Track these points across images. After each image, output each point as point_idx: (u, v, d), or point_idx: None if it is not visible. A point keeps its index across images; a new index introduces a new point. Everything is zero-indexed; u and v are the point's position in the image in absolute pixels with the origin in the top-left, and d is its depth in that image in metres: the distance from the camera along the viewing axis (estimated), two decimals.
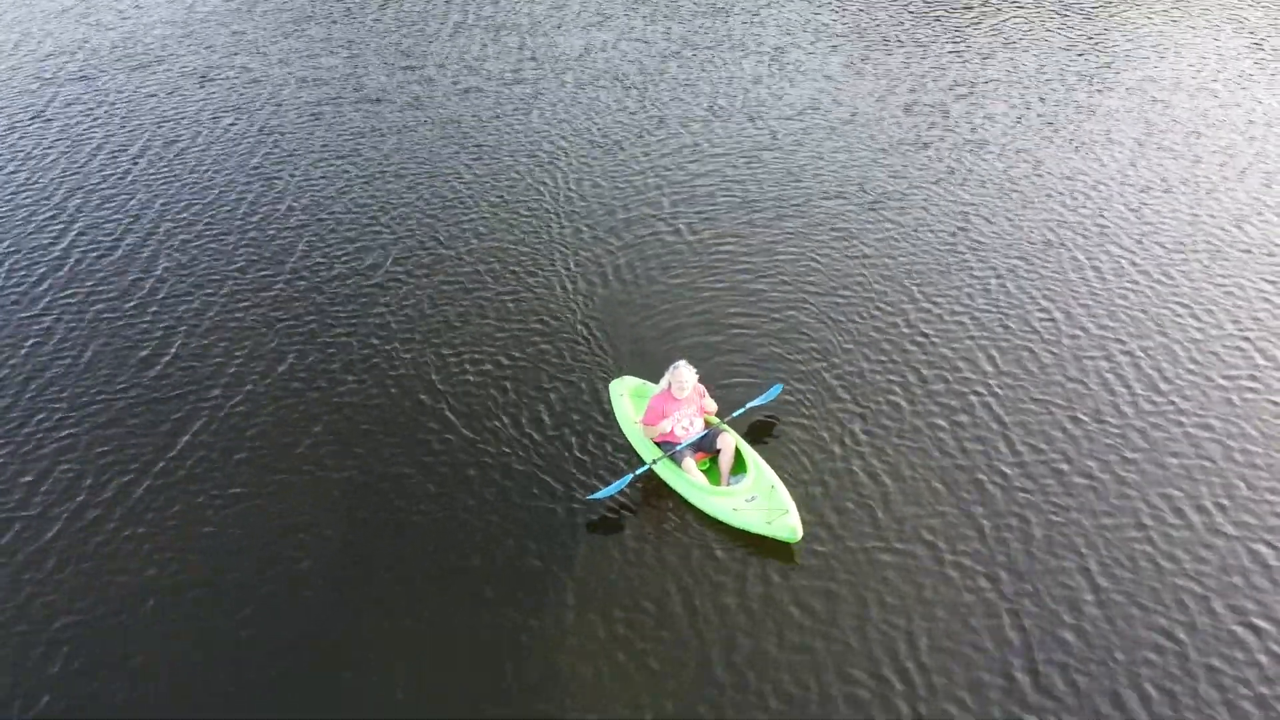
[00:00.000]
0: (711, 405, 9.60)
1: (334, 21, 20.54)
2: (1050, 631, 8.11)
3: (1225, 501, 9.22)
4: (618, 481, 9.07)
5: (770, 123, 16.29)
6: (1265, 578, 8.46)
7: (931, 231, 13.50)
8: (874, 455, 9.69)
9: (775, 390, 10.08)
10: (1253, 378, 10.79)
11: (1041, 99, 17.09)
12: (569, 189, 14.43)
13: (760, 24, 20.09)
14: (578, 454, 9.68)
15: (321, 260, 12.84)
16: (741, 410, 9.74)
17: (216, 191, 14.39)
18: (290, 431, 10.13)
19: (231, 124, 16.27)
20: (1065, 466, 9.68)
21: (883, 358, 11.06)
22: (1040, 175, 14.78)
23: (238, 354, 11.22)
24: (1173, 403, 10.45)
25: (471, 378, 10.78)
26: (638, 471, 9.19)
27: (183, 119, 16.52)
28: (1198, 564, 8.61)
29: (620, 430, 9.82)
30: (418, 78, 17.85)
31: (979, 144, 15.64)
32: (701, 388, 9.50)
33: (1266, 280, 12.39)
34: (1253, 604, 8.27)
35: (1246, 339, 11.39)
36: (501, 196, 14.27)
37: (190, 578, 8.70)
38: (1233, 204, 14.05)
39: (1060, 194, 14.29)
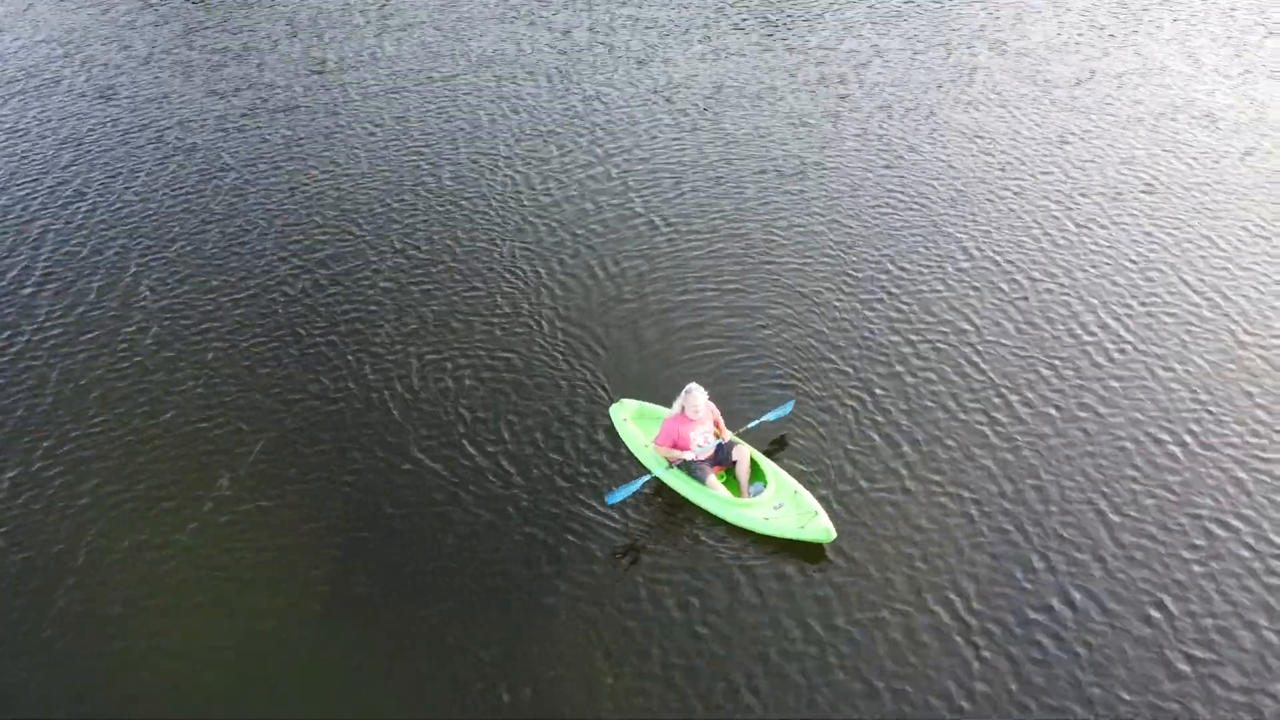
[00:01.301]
0: (721, 421, 9.72)
1: (224, 30, 19.98)
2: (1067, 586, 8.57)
3: None
4: (632, 483, 9.17)
5: (724, 117, 16.78)
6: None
7: (893, 210, 13.94)
8: (881, 449, 9.90)
9: (788, 406, 10.17)
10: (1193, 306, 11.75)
11: (942, 64, 18.04)
12: (515, 198, 14.31)
13: (683, 10, 20.50)
14: (587, 480, 9.63)
15: (266, 285, 12.46)
16: (755, 423, 9.89)
17: (138, 217, 13.79)
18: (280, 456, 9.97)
19: (144, 144, 15.73)
20: (1051, 410, 10.20)
21: (876, 350, 11.27)
22: (974, 140, 15.55)
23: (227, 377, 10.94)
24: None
25: (464, 410, 10.49)
26: (647, 477, 9.30)
27: (87, 141, 15.88)
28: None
29: (631, 454, 9.83)
30: (329, 82, 17.56)
31: (893, 113, 16.41)
32: (712, 405, 9.62)
33: (1176, 216, 13.45)
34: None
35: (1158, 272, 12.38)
36: (454, 212, 14.04)
37: (197, 587, 8.72)
38: (1126, 149, 15.09)
39: (994, 154, 15.09)
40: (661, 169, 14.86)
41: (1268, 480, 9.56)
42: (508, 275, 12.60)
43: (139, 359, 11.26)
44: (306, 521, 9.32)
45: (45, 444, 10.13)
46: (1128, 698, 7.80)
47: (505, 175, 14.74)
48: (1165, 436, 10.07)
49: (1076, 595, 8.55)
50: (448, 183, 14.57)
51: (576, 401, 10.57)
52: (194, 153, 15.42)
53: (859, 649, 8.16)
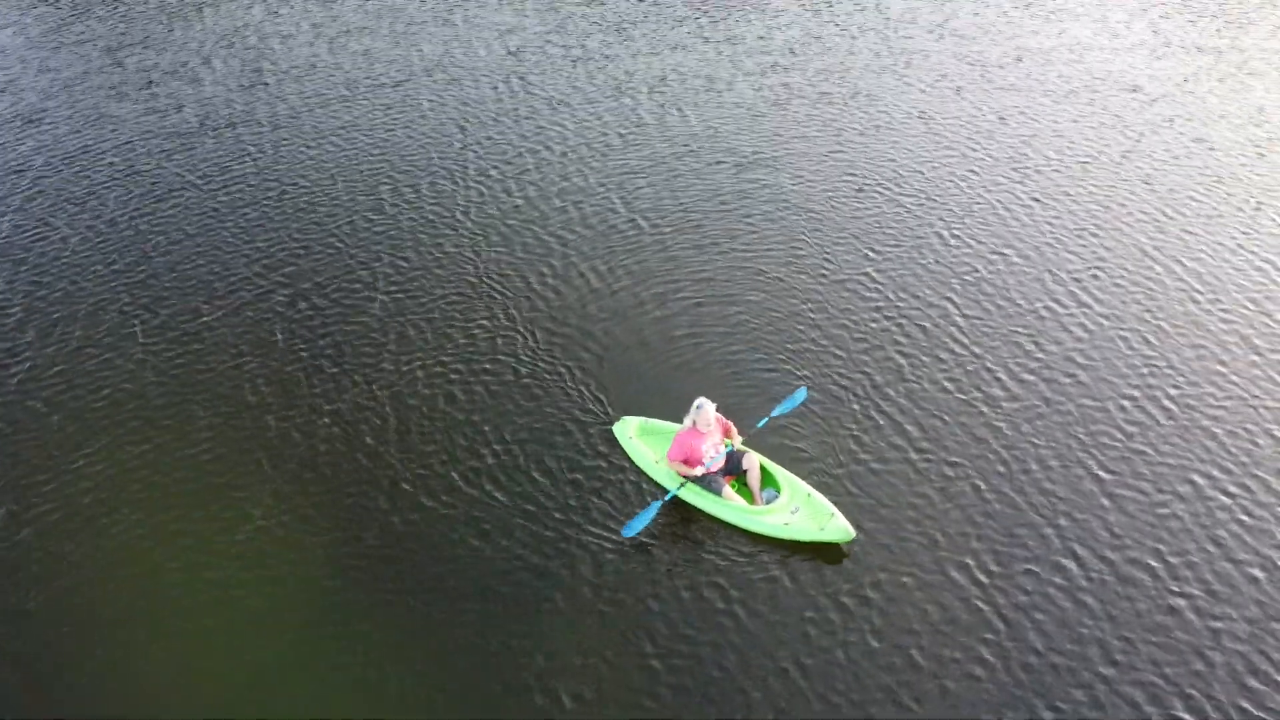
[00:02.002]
0: (733, 428, 9.84)
1: (148, 47, 19.43)
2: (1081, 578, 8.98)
3: None
4: (647, 510, 9.18)
5: (688, 113, 16.99)
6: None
7: (868, 199, 14.25)
8: (884, 439, 10.17)
9: (800, 394, 10.25)
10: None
11: (885, 46, 18.61)
12: (487, 210, 14.22)
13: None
14: (599, 497, 9.67)
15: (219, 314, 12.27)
16: (765, 420, 10.03)
17: (102, 243, 13.33)
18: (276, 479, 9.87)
19: (82, 170, 15.27)
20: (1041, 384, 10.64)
21: (864, 339, 11.55)
22: (921, 122, 16.00)
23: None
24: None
25: (466, 432, 10.45)
26: (665, 499, 9.36)
27: (15, 169, 15.37)
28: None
29: (640, 471, 9.90)
30: (261, 97, 17.25)
31: (835, 99, 16.94)
32: (721, 416, 9.74)
33: (1117, 184, 14.01)
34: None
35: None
36: (426, 228, 13.90)
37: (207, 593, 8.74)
38: (1062, 123, 15.64)
39: (945, 136, 15.64)
40: (624, 169, 14.94)
41: (1231, 426, 10.28)
42: (490, 294, 12.53)
43: (135, 375, 11.03)
44: (314, 534, 9.37)
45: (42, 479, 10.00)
46: (1157, 681, 8.22)
47: (472, 187, 14.64)
48: (1142, 396, 10.70)
49: (1082, 551, 8.99)
50: (410, 197, 14.42)
51: (578, 420, 10.53)
52: (143, 174, 15.01)
53: (889, 645, 8.39)
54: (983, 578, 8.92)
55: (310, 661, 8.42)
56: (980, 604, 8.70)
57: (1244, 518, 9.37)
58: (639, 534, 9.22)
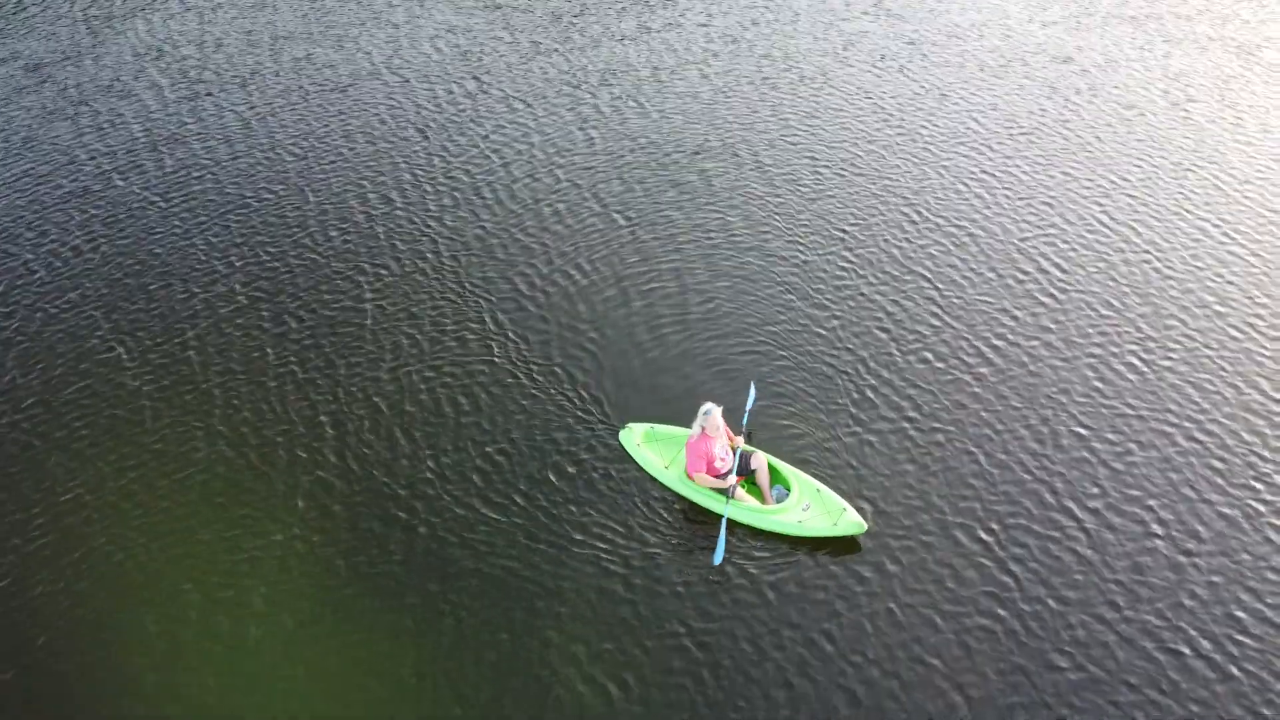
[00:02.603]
0: (730, 431, 10.07)
1: (75, 64, 18.86)
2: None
3: None
4: (720, 540, 9.21)
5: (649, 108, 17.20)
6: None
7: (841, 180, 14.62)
8: (883, 427, 10.53)
9: (751, 392, 10.53)
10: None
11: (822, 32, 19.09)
12: (460, 221, 14.22)
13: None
14: (610, 505, 9.81)
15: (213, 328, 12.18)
16: (746, 418, 10.26)
17: (68, 267, 12.96)
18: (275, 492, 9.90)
19: (33, 196, 14.74)
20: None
21: (849, 325, 11.92)
22: (869, 101, 16.42)
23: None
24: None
25: (469, 449, 10.49)
26: (724, 523, 9.36)
27: None
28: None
29: (650, 479, 9.99)
30: (207, 107, 16.94)
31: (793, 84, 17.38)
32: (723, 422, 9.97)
33: (1058, 153, 14.66)
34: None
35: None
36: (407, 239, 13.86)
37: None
38: (999, 96, 16.30)
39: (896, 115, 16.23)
40: (589, 165, 15.06)
41: (1188, 370, 11.04)
42: (474, 301, 12.59)
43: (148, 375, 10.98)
44: (319, 548, 9.47)
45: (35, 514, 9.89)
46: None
47: (443, 192, 14.60)
48: (1108, 354, 11.34)
49: (1081, 512, 9.53)
50: (382, 205, 14.33)
51: (581, 430, 10.60)
52: (97, 194, 14.63)
53: (910, 636, 8.75)
54: (998, 550, 9.35)
55: (322, 671, 8.55)
56: (996, 580, 9.16)
57: (1212, 461, 10.12)
58: (724, 559, 9.30)
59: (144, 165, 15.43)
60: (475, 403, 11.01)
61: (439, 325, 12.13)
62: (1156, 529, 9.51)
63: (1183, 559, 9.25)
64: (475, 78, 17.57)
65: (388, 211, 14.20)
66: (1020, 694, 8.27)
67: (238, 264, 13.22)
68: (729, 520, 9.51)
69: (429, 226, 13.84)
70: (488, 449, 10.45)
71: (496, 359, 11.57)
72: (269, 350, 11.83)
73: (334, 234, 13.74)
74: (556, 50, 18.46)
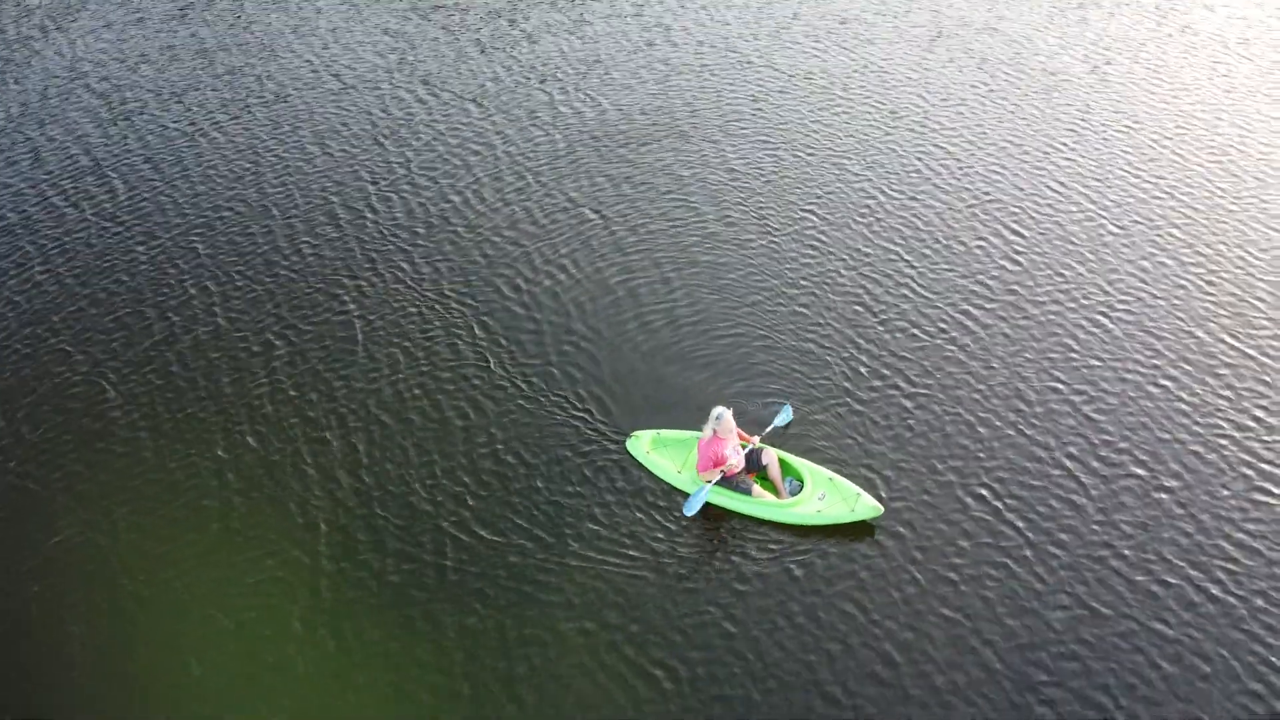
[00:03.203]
0: (742, 432, 10.26)
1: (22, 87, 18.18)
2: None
3: None
4: (700, 491, 9.65)
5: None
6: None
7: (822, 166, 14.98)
8: (884, 411, 10.86)
9: (786, 411, 10.70)
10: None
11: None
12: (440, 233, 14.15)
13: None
14: (627, 512, 9.94)
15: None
16: (767, 431, 10.47)
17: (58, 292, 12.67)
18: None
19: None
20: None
21: (840, 316, 12.18)
22: (817, 81, 16.89)
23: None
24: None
25: (479, 470, 10.52)
26: (706, 486, 9.76)
27: None
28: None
29: (665, 484, 10.13)
30: (144, 126, 16.50)
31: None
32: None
33: (1000, 125, 15.36)
34: None
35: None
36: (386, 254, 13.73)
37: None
38: (935, 67, 16.91)
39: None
40: (551, 163, 15.14)
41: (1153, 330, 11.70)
42: (462, 314, 12.59)
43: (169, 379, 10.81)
44: (325, 563, 9.55)
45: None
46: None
47: (408, 199, 14.52)
48: (1078, 307, 12.00)
49: (1070, 462, 10.11)
50: (349, 219, 14.19)
51: (587, 443, 10.66)
52: (41, 223, 14.20)
53: (933, 617, 9.11)
54: (1007, 512, 9.83)
55: (349, 681, 8.70)
56: (1007, 537, 9.66)
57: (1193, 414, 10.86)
58: (697, 512, 9.70)
59: (90, 191, 15.00)
60: (478, 419, 11.02)
61: (427, 341, 12.10)
62: (1134, 468, 10.18)
63: (1160, 494, 9.95)
64: (424, 82, 17.48)
65: (356, 223, 14.09)
66: (1035, 637, 8.79)
67: (212, 288, 12.99)
68: (706, 510, 9.88)
69: (399, 236, 13.78)
70: (496, 466, 10.47)
71: (494, 377, 11.56)
72: (259, 374, 11.68)
73: (306, 251, 13.60)
74: (496, 47, 18.48)
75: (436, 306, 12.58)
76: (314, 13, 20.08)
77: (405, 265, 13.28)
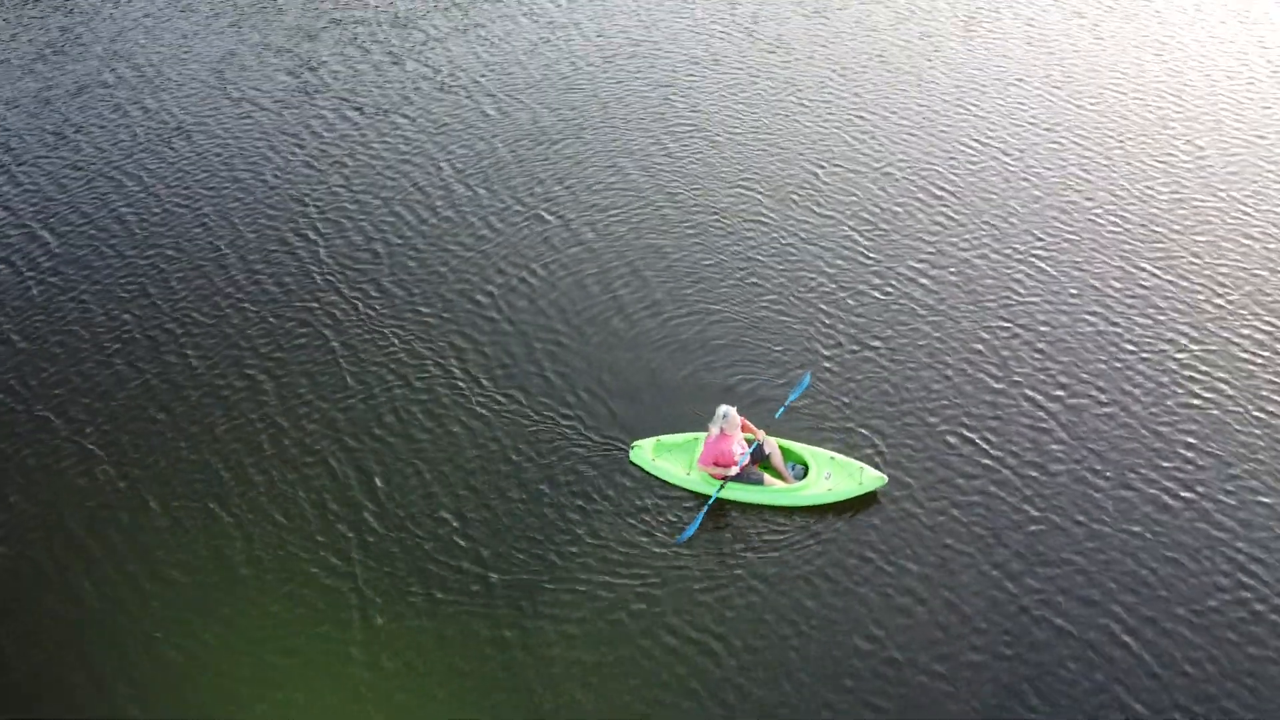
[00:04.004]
0: (750, 424, 10.67)
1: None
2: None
3: None
4: (696, 518, 9.86)
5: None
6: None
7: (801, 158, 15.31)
8: (876, 388, 11.40)
9: (806, 379, 11.16)
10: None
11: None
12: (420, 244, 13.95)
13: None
14: (640, 520, 10.15)
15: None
16: (782, 410, 10.92)
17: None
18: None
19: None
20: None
21: (831, 300, 12.67)
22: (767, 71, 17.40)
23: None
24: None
25: (483, 491, 10.54)
26: (709, 503, 10.00)
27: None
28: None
29: (675, 488, 10.41)
30: (73, 156, 15.76)
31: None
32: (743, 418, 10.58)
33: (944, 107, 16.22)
34: None
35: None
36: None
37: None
38: (887, 61, 17.77)
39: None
40: (497, 171, 15.14)
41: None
42: (450, 332, 12.48)
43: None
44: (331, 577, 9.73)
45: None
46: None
47: (367, 215, 14.29)
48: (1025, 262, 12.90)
49: (1047, 400, 10.82)
50: (313, 237, 13.90)
51: (592, 456, 10.79)
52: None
53: (947, 572, 9.65)
54: (1010, 462, 10.63)
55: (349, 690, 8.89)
56: (1012, 491, 10.35)
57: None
58: (690, 539, 9.91)
59: (17, 246, 14.21)
60: (476, 453, 10.91)
61: (397, 367, 11.99)
62: (1100, 396, 11.32)
63: (1124, 415, 11.03)
64: (341, 99, 17.13)
65: (310, 250, 13.83)
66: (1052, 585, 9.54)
67: (176, 330, 12.57)
68: (718, 505, 10.28)
69: (358, 259, 13.56)
70: (503, 494, 10.47)
71: (482, 410, 11.45)
72: (249, 414, 11.43)
73: (267, 283, 13.26)
74: (406, 53, 18.23)
75: (408, 327, 12.48)
76: (197, 40, 19.23)
77: (371, 287, 13.12)
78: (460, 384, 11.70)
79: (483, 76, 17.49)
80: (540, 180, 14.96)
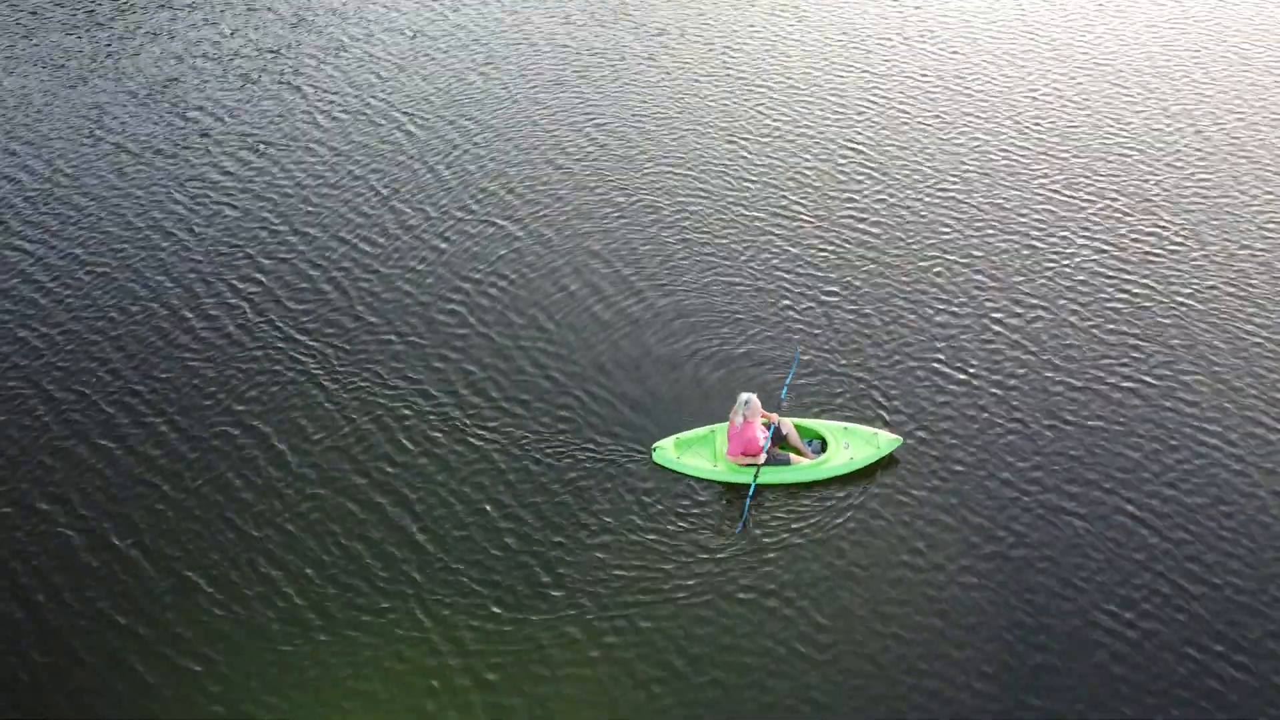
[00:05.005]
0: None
1: None
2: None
3: None
4: (744, 506, 10.19)
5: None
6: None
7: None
8: (863, 355, 11.81)
9: (796, 358, 11.47)
10: None
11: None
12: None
13: None
14: (677, 516, 10.26)
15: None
16: (785, 390, 11.20)
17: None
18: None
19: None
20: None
21: (815, 278, 13.04)
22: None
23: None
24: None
25: (513, 505, 10.49)
26: (751, 491, 10.27)
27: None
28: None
29: (702, 482, 10.56)
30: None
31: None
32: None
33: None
34: None
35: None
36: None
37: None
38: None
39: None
40: (449, 172, 14.95)
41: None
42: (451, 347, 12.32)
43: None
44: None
45: None
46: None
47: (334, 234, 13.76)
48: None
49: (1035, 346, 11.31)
50: (283, 253, 13.25)
51: (614, 467, 10.83)
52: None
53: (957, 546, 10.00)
54: (1017, 413, 11.09)
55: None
56: (1026, 442, 10.80)
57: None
58: (745, 527, 10.14)
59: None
60: (495, 479, 10.81)
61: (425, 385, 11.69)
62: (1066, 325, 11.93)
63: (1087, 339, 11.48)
64: (238, 134, 16.52)
65: (286, 255, 13.73)
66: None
67: (156, 377, 11.79)
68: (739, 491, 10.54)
69: (341, 287, 13.14)
70: (536, 512, 10.43)
71: (503, 424, 11.37)
72: (266, 450, 11.02)
73: (256, 326, 12.61)
74: (294, 84, 17.86)
75: (389, 364, 12.12)
76: (66, 94, 18.27)
77: (365, 313, 12.72)
78: (470, 415, 11.48)
79: (386, 94, 17.35)
80: (459, 192, 15.04)
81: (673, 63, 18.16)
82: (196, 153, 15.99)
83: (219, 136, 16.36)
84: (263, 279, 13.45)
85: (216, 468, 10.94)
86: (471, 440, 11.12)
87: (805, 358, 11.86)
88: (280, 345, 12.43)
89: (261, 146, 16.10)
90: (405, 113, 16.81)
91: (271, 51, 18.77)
